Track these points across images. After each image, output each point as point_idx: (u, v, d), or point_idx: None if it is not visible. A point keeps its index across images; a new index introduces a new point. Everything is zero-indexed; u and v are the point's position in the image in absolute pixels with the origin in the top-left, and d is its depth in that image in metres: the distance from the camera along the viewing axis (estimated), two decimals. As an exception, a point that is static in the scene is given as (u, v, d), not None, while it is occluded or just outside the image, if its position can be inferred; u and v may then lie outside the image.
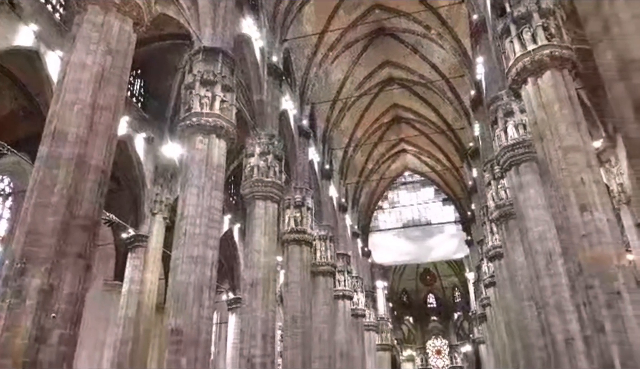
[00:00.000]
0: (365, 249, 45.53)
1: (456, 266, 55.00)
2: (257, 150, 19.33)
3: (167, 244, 18.44)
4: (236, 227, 28.59)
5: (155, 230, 20.85)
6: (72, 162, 8.27)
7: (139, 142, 21.24)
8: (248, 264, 18.42)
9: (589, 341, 11.31)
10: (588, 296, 10.68)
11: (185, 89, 15.41)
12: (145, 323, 19.49)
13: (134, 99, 22.66)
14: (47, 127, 8.69)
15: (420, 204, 52.47)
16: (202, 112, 14.61)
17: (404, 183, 53.13)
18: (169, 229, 19.41)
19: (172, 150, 21.29)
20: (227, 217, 27.10)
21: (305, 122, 27.40)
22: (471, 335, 52.11)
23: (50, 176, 8.17)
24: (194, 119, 14.55)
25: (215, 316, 26.33)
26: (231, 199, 30.13)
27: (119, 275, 22.20)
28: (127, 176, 21.74)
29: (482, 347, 45.02)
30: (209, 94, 14.86)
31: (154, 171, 21.90)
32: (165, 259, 19.38)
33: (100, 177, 8.59)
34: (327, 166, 32.29)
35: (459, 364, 55.82)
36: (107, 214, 19.63)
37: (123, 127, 19.10)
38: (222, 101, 15.00)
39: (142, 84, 23.53)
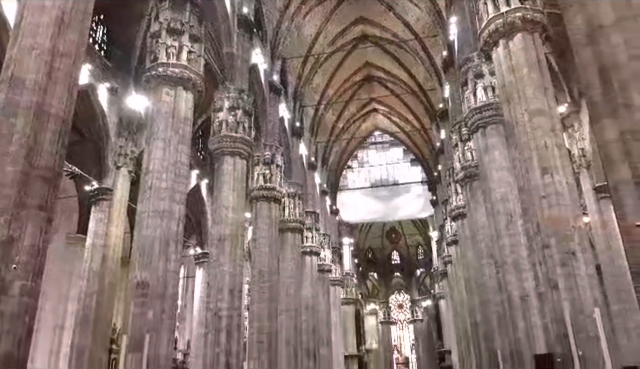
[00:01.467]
0: (334, 207, 46.04)
1: (421, 225, 56.41)
2: (226, 104, 18.94)
3: (133, 198, 18.11)
4: (204, 183, 28.29)
5: (120, 183, 20.41)
6: (30, 111, 7.95)
7: (102, 93, 20.43)
8: (216, 220, 18.38)
9: (543, 297, 11.93)
10: (544, 255, 11.20)
11: (150, 37, 14.82)
12: (111, 277, 19.36)
13: (97, 47, 21.65)
14: (3, 73, 8.29)
15: (388, 164, 53.06)
16: (169, 62, 14.15)
17: (374, 143, 53.46)
18: (135, 183, 19.01)
19: (137, 102, 20.62)
20: (194, 173, 26.75)
21: (276, 77, 26.90)
22: (432, 291, 54.12)
23: (8, 125, 7.85)
24: (160, 70, 14.08)
25: (182, 270, 26.43)
26: (199, 154, 29.67)
27: (83, 229, 21.80)
28: (90, 128, 21.01)
29: (442, 302, 46.93)
30: (176, 44, 14.36)
31: (118, 123, 21.20)
32: (131, 213, 19.12)
33: (60, 127, 8.29)
34: (298, 124, 32.04)
35: (420, 318, 58.15)
36: (69, 166, 19.07)
37: (85, 76, 18.28)
38: (190, 52, 14.53)
39: (105, 31, 22.41)
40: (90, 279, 19.05)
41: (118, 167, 20.61)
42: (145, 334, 11.72)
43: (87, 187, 20.83)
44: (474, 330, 24.21)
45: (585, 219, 19.62)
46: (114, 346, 19.93)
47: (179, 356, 27.21)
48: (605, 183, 21.61)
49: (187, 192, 15.74)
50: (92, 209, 20.36)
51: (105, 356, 19.15)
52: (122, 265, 20.29)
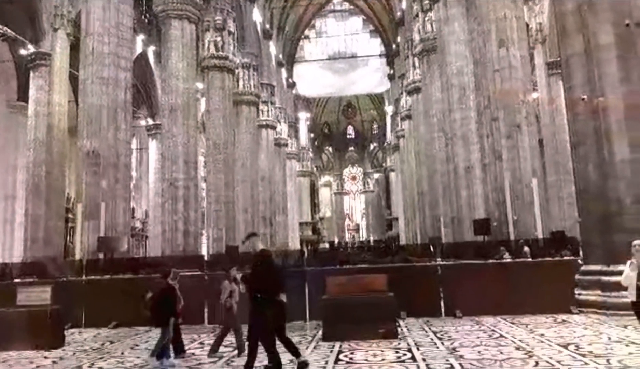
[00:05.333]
0: (290, 80, 45.01)
1: (377, 100, 56.55)
2: (171, -40, 17.18)
3: (74, 64, 16.93)
4: (151, 50, 26.59)
5: (59, 47, 18.91)
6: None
7: (28, -59, 18.04)
8: (166, 89, 17.67)
9: (486, 168, 12.64)
10: (492, 127, 11.66)
11: None
12: (59, 146, 18.79)
13: None
14: None
15: (347, 35, 51.30)
16: None
17: (332, 11, 51.03)
18: (75, 48, 17.64)
19: (69, -47, 18.39)
20: (140, 38, 24.99)
21: None
22: (384, 164, 56.20)
23: None
24: None
25: (134, 141, 25.87)
26: (143, 17, 27.44)
27: (23, 96, 20.57)
28: (19, -17, 18.83)
29: (392, 174, 49.05)
30: None
31: (51, -21, 19.08)
32: (74, 80, 18.04)
33: (-19, -23, 7.36)
34: (251, -15, 29.79)
35: (371, 189, 61.02)
36: (1, 27, 17.38)
37: None
38: None
39: None
40: (37, 149, 18.48)
41: (55, 30, 18.97)
42: (101, 202, 11.77)
43: (23, 52, 19.25)
44: (420, 199, 25.75)
45: (534, 95, 20.19)
46: (69, 215, 20.03)
47: (138, 225, 27.78)
48: (558, 59, 21.95)
49: (134, 60, 14.84)
50: (31, 75, 19.06)
51: (62, 223, 19.30)
52: (70, 135, 19.63)
